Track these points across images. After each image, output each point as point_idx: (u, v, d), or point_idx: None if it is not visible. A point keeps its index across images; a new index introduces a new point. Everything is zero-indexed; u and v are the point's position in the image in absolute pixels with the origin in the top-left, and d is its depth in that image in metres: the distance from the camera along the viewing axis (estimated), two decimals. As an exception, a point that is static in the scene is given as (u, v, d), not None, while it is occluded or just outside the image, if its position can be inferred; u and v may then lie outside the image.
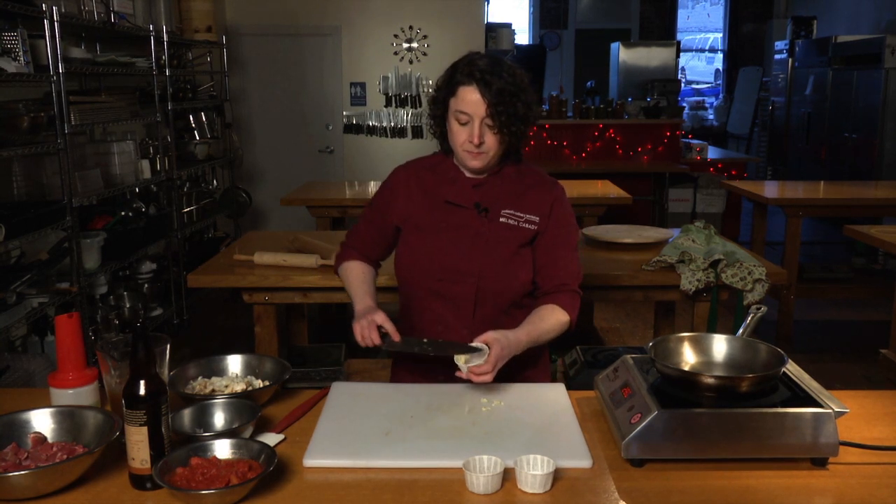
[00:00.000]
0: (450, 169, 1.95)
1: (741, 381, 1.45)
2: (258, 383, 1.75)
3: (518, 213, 1.91)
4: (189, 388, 1.71)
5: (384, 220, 2.01)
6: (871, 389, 1.86)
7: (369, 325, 1.77)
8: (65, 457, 1.37)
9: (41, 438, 1.44)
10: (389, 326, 1.78)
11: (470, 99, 1.79)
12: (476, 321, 1.90)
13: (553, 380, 2.03)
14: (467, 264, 1.89)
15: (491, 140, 1.82)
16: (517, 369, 1.86)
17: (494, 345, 1.69)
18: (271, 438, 1.52)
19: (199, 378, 1.76)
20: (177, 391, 1.65)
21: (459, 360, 1.69)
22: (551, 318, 1.87)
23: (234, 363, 1.81)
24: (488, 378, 1.68)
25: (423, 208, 1.94)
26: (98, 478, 1.37)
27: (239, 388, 1.71)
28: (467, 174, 1.93)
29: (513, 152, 1.93)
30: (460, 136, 1.83)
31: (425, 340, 1.81)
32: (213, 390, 1.70)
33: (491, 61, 1.81)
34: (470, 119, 1.80)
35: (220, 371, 1.79)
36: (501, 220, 1.90)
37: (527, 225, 1.91)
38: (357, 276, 2.01)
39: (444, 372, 1.93)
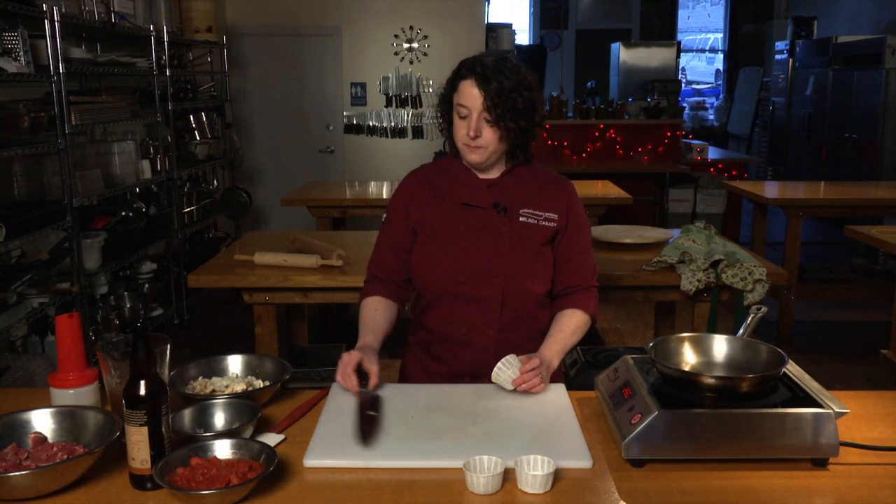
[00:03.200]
0: (460, 171, 1.95)
1: (741, 381, 1.45)
2: (258, 383, 1.75)
3: (536, 212, 1.92)
4: (189, 389, 1.71)
5: (403, 233, 1.97)
6: (872, 390, 1.86)
7: (344, 367, 1.73)
8: (65, 457, 1.37)
9: (41, 438, 1.44)
10: (373, 369, 1.74)
11: (469, 92, 1.80)
12: (503, 322, 1.90)
13: (553, 380, 2.03)
14: (492, 265, 1.88)
15: (489, 134, 1.82)
16: None
17: (532, 358, 1.74)
18: (271, 438, 1.52)
19: (200, 378, 1.76)
20: (177, 391, 1.65)
21: (498, 379, 1.70)
22: (572, 324, 1.91)
23: (235, 363, 1.81)
24: (542, 387, 1.73)
25: (438, 212, 1.93)
26: (98, 478, 1.37)
27: (239, 388, 1.71)
28: (479, 175, 1.93)
29: (520, 152, 1.93)
30: (460, 130, 1.84)
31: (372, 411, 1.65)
32: (214, 390, 1.70)
33: (497, 59, 1.83)
34: (469, 112, 1.81)
35: (221, 371, 1.79)
36: (521, 219, 1.91)
37: (546, 223, 1.92)
38: (368, 313, 1.95)
39: (448, 377, 1.93)
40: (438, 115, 1.94)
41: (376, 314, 1.94)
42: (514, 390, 1.71)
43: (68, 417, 1.47)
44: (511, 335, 1.90)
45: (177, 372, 1.72)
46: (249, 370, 1.80)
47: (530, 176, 1.96)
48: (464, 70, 1.83)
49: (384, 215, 2.03)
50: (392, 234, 1.99)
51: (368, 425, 1.55)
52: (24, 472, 1.27)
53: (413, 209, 1.96)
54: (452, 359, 1.92)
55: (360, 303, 2.00)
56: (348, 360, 1.74)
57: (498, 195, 1.92)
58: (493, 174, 1.94)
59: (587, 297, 1.95)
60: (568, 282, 1.95)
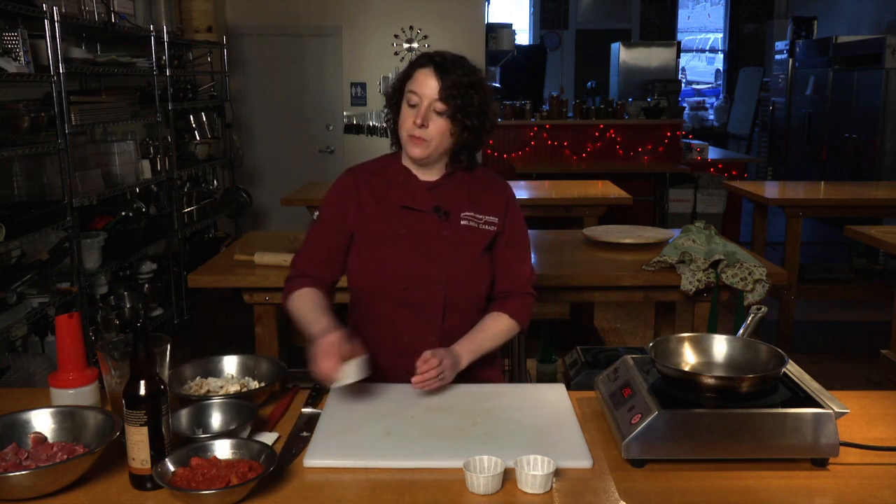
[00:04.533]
0: (400, 172, 1.88)
1: (742, 381, 1.45)
2: (254, 384, 1.75)
3: (477, 215, 1.88)
4: (185, 389, 1.71)
5: (338, 232, 1.89)
6: (872, 390, 1.86)
7: (328, 350, 1.60)
8: (65, 457, 1.37)
9: (41, 438, 1.44)
10: (357, 348, 1.64)
11: (424, 80, 1.76)
12: (445, 329, 1.86)
13: (553, 380, 2.03)
14: (434, 271, 1.83)
15: (435, 127, 1.77)
16: (470, 369, 1.84)
17: (435, 355, 1.70)
18: (268, 438, 1.52)
19: (197, 378, 1.76)
20: (173, 392, 1.65)
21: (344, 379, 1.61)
22: (495, 328, 1.88)
23: (230, 364, 1.81)
24: (436, 384, 1.69)
25: (377, 214, 1.86)
26: (98, 478, 1.37)
27: (233, 389, 1.71)
28: (420, 177, 1.88)
29: (465, 156, 1.87)
30: (408, 119, 1.79)
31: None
32: (209, 391, 1.70)
33: (457, 56, 1.81)
34: (420, 101, 1.77)
35: (217, 372, 1.79)
36: (462, 222, 1.86)
37: (486, 226, 1.88)
38: (310, 301, 1.83)
39: (381, 361, 1.86)
40: (386, 108, 1.88)
41: (321, 301, 1.83)
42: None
43: (68, 417, 1.47)
44: (453, 342, 1.85)
45: (173, 372, 1.72)
46: (245, 371, 1.80)
47: (471, 179, 1.91)
48: (423, 59, 1.79)
49: (315, 213, 1.94)
50: (325, 232, 1.90)
51: (297, 446, 1.50)
52: (24, 472, 1.27)
53: (350, 209, 1.88)
54: (394, 368, 1.84)
55: (289, 297, 1.88)
56: (331, 343, 1.61)
57: (439, 198, 1.86)
58: (433, 176, 1.88)
59: (519, 305, 1.91)
60: (502, 287, 1.91)
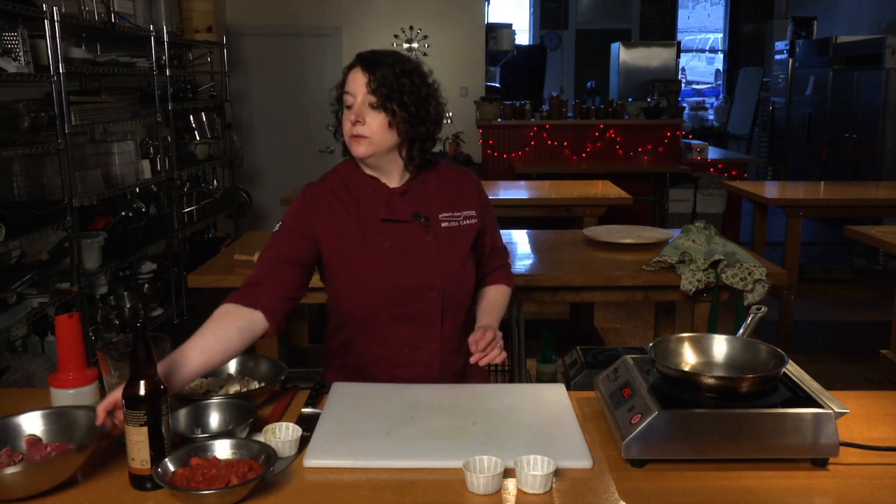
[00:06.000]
0: (366, 182, 1.83)
1: (741, 381, 1.45)
2: (254, 384, 1.75)
3: (455, 214, 1.87)
4: (185, 389, 1.71)
5: (303, 247, 1.78)
6: (872, 390, 1.86)
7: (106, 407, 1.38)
8: (59, 456, 1.37)
9: (36, 440, 1.44)
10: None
11: (354, 78, 1.75)
12: (444, 335, 1.85)
13: (553, 380, 2.03)
14: (427, 279, 1.81)
15: (372, 121, 1.73)
16: (459, 368, 1.89)
17: (488, 329, 1.76)
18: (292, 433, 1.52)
19: (197, 378, 1.75)
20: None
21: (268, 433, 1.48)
22: (501, 300, 1.97)
23: (230, 364, 1.81)
24: (503, 356, 1.74)
25: (352, 230, 1.80)
26: (98, 478, 1.37)
27: (233, 389, 1.71)
28: (388, 184, 1.83)
29: (417, 153, 1.80)
30: (346, 121, 1.77)
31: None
32: (209, 391, 1.71)
33: (392, 52, 1.79)
34: (354, 100, 1.74)
35: (217, 372, 1.79)
36: (443, 224, 1.85)
37: (468, 221, 1.88)
38: (220, 326, 1.64)
39: (378, 374, 1.86)
40: (335, 119, 1.83)
41: (228, 335, 1.63)
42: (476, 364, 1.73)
43: (61, 418, 1.47)
44: (453, 343, 1.86)
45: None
46: (245, 371, 1.81)
47: (437, 177, 1.88)
48: (353, 60, 1.78)
49: (277, 225, 1.83)
50: (288, 245, 1.78)
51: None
52: (13, 471, 1.27)
53: (319, 225, 1.79)
54: (392, 379, 1.81)
55: (222, 305, 1.72)
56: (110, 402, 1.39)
57: (413, 203, 1.83)
58: (398, 181, 1.84)
59: (507, 274, 2.04)
60: (493, 265, 2.01)
